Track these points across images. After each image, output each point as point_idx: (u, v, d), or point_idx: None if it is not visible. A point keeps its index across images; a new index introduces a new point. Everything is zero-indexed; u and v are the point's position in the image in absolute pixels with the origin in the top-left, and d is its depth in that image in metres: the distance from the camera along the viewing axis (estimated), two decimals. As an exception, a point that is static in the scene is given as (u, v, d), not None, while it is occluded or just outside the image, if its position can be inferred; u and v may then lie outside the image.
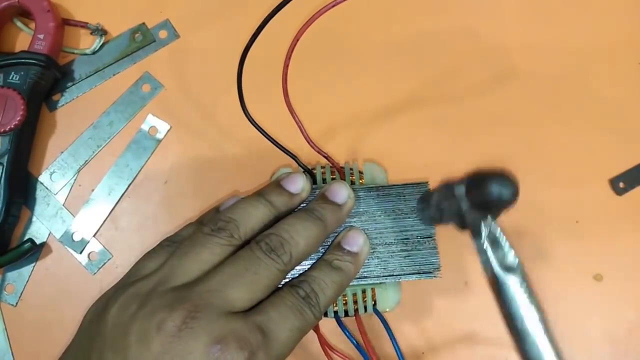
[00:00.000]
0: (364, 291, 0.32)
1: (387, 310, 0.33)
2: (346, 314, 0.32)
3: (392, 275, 0.31)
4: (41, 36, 0.36)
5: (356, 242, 0.29)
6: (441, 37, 0.39)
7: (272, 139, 0.33)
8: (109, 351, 0.21)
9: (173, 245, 0.26)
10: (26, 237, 0.36)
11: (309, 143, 0.34)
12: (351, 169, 0.35)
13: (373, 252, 0.31)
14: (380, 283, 0.32)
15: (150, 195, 0.37)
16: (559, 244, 0.36)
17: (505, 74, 0.39)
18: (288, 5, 0.25)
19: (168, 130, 0.38)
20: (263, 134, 0.33)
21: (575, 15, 0.40)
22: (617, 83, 0.38)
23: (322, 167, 0.35)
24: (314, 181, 0.34)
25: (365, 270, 0.31)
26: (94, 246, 0.36)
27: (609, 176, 0.37)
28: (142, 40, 0.39)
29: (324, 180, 0.34)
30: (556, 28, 0.39)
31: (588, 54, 0.39)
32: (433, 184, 0.36)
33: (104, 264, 0.36)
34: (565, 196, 0.37)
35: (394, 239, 0.31)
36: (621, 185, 0.37)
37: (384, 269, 0.31)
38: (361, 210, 0.32)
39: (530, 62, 0.39)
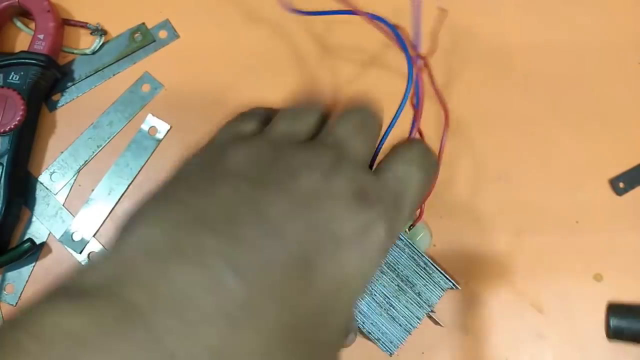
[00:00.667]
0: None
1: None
2: None
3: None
4: (41, 36, 0.36)
5: None
6: (441, 37, 0.39)
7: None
8: (252, 183, 0.18)
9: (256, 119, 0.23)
10: (26, 237, 0.35)
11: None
12: None
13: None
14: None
15: (150, 195, 0.37)
16: (559, 244, 0.36)
17: (505, 74, 0.38)
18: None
19: (168, 130, 0.38)
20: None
21: (575, 15, 0.40)
22: (617, 83, 0.38)
23: None
24: None
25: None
26: (94, 246, 0.36)
27: (609, 176, 0.37)
28: (142, 40, 0.39)
29: None
30: (556, 28, 0.39)
31: (588, 54, 0.39)
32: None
33: (104, 264, 0.36)
34: (565, 196, 0.37)
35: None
36: (621, 185, 0.37)
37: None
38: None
39: (530, 62, 0.39)
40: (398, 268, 0.29)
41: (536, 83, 0.38)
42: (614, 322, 0.33)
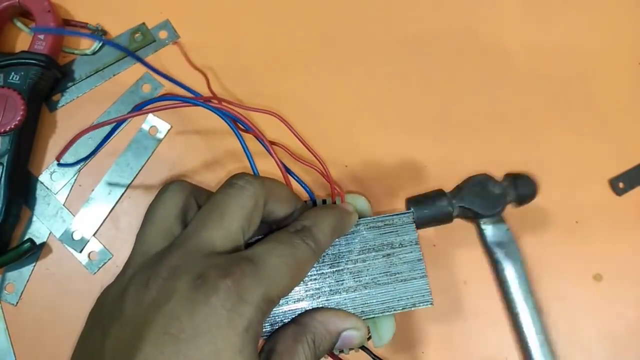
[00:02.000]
0: None
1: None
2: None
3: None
4: (41, 36, 0.36)
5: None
6: (441, 37, 0.39)
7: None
8: (109, 320, 0.22)
9: None
10: (26, 237, 0.36)
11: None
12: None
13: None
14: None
15: (150, 195, 0.37)
16: (559, 244, 0.36)
17: (505, 75, 0.38)
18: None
19: (168, 130, 0.38)
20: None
21: (575, 16, 0.40)
22: (617, 83, 0.38)
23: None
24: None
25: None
26: (94, 246, 0.36)
27: (609, 176, 0.37)
28: (142, 40, 0.39)
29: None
30: (556, 29, 0.39)
31: (588, 55, 0.39)
32: (433, 186, 0.37)
33: (104, 263, 0.36)
34: (565, 196, 0.37)
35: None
36: (621, 185, 0.37)
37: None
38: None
39: (530, 63, 0.39)
40: (369, 245, 0.30)
41: (536, 83, 0.38)
42: (417, 213, 0.34)
